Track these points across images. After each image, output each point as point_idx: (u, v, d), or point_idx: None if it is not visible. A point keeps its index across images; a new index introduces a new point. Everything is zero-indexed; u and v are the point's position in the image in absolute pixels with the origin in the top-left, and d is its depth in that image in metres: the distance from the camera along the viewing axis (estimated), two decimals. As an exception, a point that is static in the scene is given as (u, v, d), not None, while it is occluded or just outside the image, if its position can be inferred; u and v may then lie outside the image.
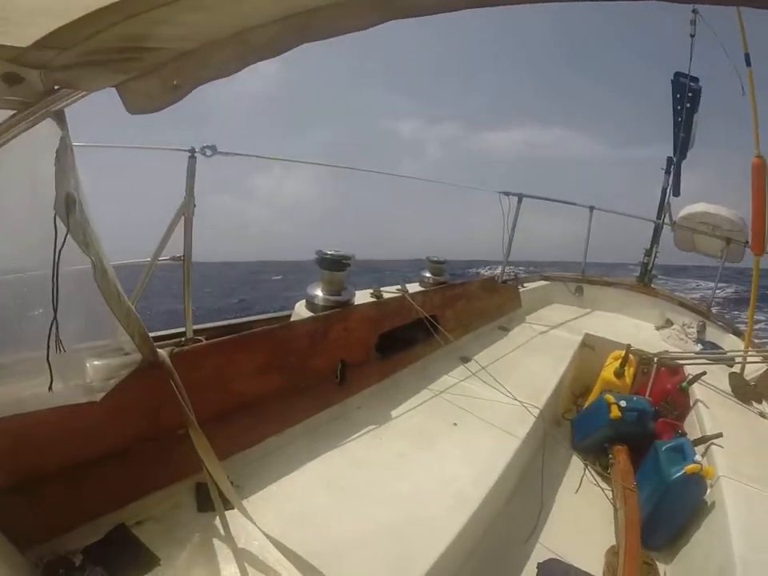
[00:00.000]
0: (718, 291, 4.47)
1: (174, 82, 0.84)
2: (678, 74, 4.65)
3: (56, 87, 0.82)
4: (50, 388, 1.00)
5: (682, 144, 4.75)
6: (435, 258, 3.11)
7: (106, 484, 1.16)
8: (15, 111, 0.82)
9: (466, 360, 2.59)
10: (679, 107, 4.73)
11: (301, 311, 2.13)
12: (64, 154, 0.88)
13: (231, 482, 1.29)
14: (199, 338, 1.75)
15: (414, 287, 2.93)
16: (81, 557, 1.06)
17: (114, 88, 0.85)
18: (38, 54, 0.77)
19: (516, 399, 2.13)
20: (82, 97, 0.86)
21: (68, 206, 0.89)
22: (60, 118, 0.88)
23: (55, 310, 0.95)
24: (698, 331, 3.84)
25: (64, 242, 0.91)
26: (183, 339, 1.82)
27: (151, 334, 1.98)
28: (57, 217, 0.90)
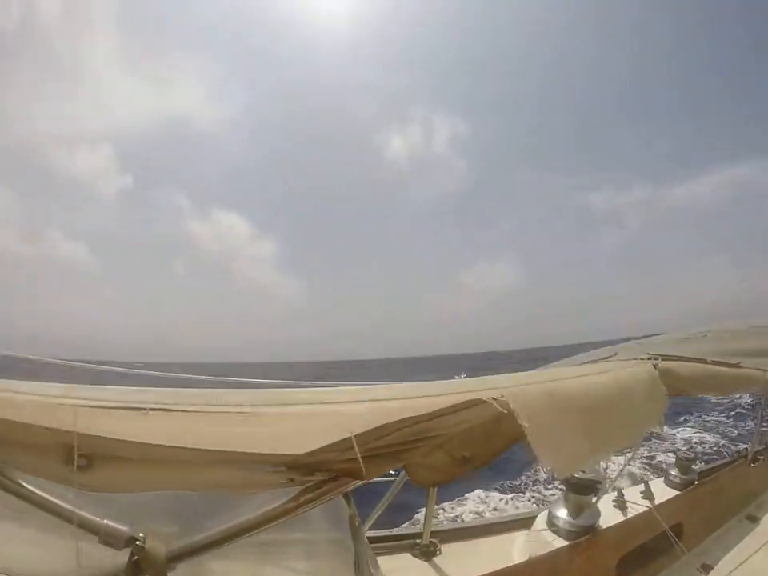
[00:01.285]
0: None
1: (464, 454, 0.93)
2: None
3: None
4: None
5: None
6: (684, 455, 2.88)
7: None
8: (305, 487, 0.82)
9: (708, 569, 2.25)
10: None
11: (541, 525, 2.08)
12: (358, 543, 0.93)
13: None
14: None
15: (658, 484, 2.76)
16: None
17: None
18: (313, 456, 0.77)
19: None
20: (370, 480, 0.85)
21: None
22: (347, 498, 0.92)
23: None
24: None
25: None
26: None
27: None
28: None
